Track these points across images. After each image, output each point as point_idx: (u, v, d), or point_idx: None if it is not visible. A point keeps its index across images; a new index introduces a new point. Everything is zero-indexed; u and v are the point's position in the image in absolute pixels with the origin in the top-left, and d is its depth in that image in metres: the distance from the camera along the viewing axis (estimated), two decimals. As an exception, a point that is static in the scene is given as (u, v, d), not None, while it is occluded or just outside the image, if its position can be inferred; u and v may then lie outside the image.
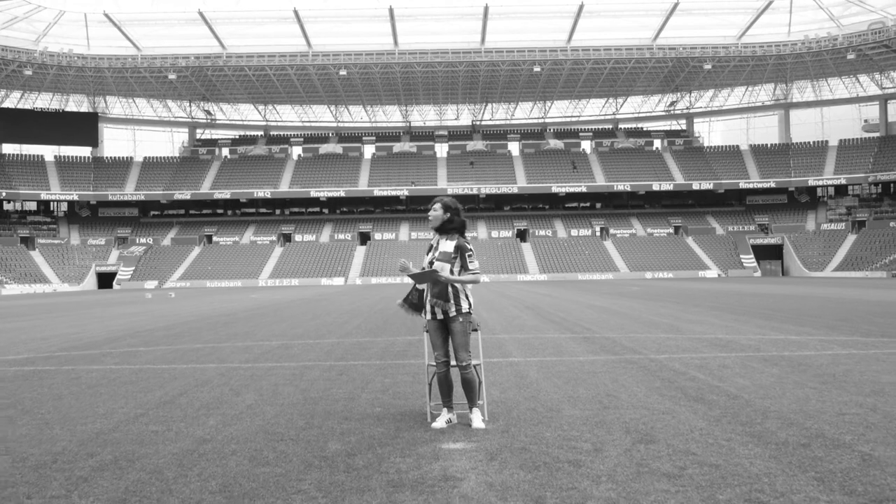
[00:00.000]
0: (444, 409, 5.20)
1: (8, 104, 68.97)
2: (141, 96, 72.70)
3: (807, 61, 63.81)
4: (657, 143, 76.42)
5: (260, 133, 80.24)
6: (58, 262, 62.71)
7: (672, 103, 76.69)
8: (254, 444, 4.70)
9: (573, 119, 79.82)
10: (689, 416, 5.25)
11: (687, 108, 77.14)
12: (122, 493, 3.75)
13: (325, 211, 73.71)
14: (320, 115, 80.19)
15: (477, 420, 5.10)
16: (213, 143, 78.45)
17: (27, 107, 69.52)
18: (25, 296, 46.72)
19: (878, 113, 71.77)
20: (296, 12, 58.76)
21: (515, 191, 70.54)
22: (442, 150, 77.02)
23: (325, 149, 76.60)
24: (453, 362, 5.20)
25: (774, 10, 60.63)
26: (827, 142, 72.32)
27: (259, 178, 72.05)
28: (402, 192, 70.27)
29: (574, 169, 72.13)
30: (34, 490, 3.82)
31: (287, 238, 69.48)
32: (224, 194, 70.23)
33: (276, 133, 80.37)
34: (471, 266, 5.16)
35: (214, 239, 69.58)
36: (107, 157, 74.95)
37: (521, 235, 68.92)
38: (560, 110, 79.15)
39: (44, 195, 68.49)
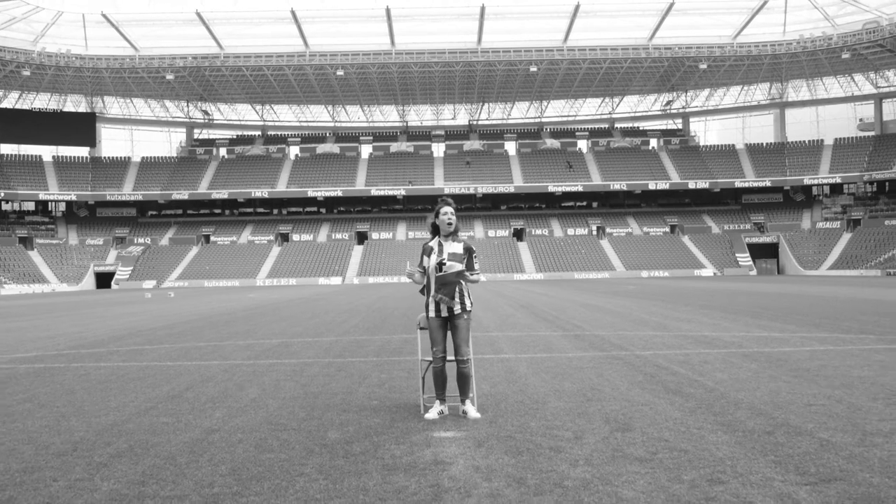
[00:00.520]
0: (437, 401, 5.55)
1: (6, 104, 69.17)
2: (138, 96, 72.92)
3: (802, 61, 64.17)
4: (653, 143, 76.76)
5: (257, 133, 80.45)
6: (56, 262, 62.92)
7: (668, 103, 77.03)
8: (259, 433, 5.04)
9: (569, 118, 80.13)
10: (666, 408, 5.59)
11: (683, 108, 77.50)
12: (140, 476, 4.09)
13: (323, 211, 73.95)
14: (317, 115, 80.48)
15: (472, 411, 5.43)
16: (210, 143, 78.63)
17: (25, 107, 69.74)
18: (24, 296, 46.97)
19: (873, 112, 72.18)
20: (293, 13, 59.03)
21: (512, 190, 70.83)
22: (439, 149, 77.28)
23: (322, 149, 76.84)
24: (450, 357, 5.54)
25: (769, 10, 61.03)
26: (822, 141, 72.72)
27: (256, 177, 72.27)
28: (400, 191, 70.54)
29: (570, 168, 72.44)
30: (59, 474, 4.16)
31: (284, 238, 69.73)
32: (222, 194, 70.47)
33: (273, 133, 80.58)
34: (476, 266, 5.54)
35: (212, 239, 69.79)
36: (104, 158, 75.14)
37: (518, 235, 69.23)
38: (556, 110, 79.48)
39: (42, 195, 68.72)
